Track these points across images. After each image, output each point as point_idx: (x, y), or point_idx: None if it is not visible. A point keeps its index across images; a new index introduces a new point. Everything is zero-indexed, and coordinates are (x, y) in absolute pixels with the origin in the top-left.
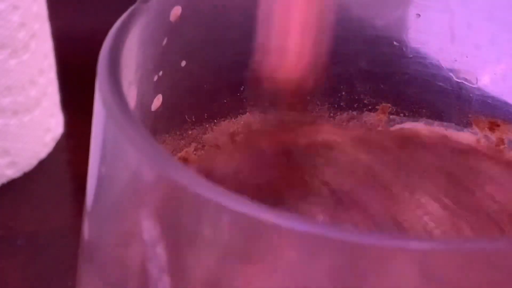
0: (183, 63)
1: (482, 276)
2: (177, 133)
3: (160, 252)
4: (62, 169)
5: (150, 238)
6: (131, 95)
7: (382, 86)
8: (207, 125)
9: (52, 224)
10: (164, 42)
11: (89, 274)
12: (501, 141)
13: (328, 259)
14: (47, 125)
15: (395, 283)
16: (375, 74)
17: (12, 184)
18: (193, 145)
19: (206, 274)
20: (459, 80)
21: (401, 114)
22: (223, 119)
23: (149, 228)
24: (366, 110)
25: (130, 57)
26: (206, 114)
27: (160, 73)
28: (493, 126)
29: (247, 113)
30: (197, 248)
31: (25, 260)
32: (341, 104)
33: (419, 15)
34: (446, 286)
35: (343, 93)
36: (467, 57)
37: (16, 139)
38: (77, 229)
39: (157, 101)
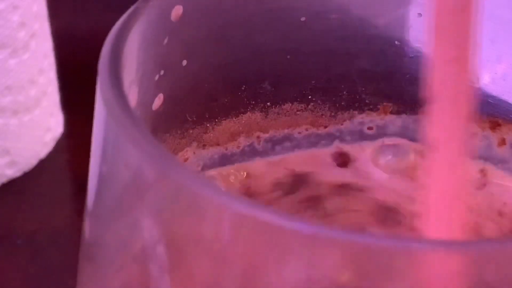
0: (184, 63)
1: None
2: (178, 132)
3: (161, 251)
4: (62, 169)
5: (151, 237)
6: (132, 94)
7: (383, 85)
8: (208, 124)
9: (52, 224)
10: (165, 41)
11: (89, 273)
12: (502, 141)
13: (330, 258)
14: (47, 124)
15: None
16: (377, 74)
17: (12, 184)
18: (194, 144)
19: (207, 273)
20: None
21: (402, 114)
22: (224, 118)
23: (149, 227)
24: (367, 109)
25: (131, 56)
26: (207, 114)
27: (161, 72)
28: (494, 126)
29: (248, 112)
30: (198, 247)
31: (25, 260)
32: (342, 103)
33: (421, 14)
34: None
35: (344, 92)
36: None
37: (16, 139)
38: (77, 229)
39: (158, 100)
